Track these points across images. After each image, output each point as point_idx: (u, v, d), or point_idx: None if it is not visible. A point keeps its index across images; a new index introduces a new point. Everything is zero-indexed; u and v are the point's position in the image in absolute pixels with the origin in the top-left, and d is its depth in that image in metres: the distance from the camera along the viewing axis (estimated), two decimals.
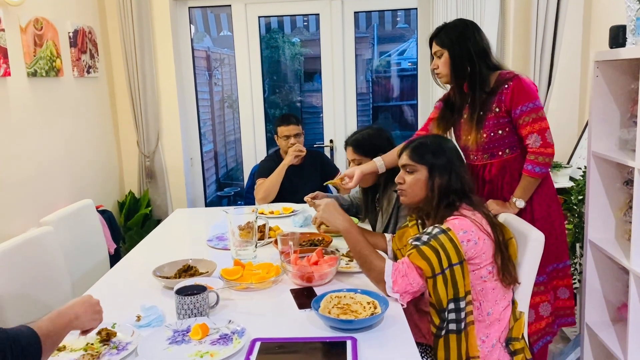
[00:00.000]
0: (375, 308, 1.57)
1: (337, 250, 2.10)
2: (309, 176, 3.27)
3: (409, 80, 5.05)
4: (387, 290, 1.65)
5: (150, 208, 3.68)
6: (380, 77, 4.99)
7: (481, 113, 2.08)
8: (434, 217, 1.74)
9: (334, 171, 3.38)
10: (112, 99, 3.76)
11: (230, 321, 1.53)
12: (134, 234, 3.55)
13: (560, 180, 3.06)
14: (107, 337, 1.47)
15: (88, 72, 3.39)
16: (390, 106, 5.23)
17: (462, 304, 1.63)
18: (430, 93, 3.62)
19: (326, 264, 1.81)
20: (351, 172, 2.27)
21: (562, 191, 2.81)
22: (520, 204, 2.08)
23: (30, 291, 2.00)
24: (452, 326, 1.64)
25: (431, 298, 1.64)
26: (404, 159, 1.81)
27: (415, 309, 1.93)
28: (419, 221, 1.91)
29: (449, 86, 2.24)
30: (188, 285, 1.66)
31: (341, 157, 3.89)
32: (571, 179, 3.12)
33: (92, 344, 1.46)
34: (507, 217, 1.99)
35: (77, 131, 3.28)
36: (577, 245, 2.66)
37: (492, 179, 2.14)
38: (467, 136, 2.14)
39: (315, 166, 3.31)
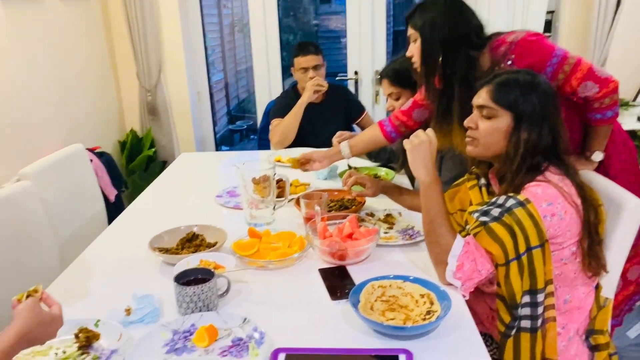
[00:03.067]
0: (431, 304, 1.21)
1: (372, 214, 1.73)
2: (331, 115, 2.85)
3: None
4: (447, 274, 1.29)
5: (154, 149, 3.31)
6: None
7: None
8: (510, 181, 1.33)
9: (360, 109, 2.96)
10: (107, 24, 3.29)
11: (245, 319, 1.19)
12: (137, 178, 3.20)
13: (627, 121, 2.61)
14: (86, 341, 1.14)
15: None
16: None
17: (540, 297, 1.27)
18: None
19: (363, 239, 1.44)
20: (316, 157, 2.01)
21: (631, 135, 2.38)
22: (598, 156, 1.67)
23: (9, 260, 1.67)
24: (526, 323, 1.28)
25: (500, 289, 1.28)
26: (483, 98, 1.36)
27: None
28: (481, 181, 1.51)
29: None
30: (191, 269, 1.31)
31: (367, 92, 3.44)
32: None
33: (65, 352, 1.13)
34: (588, 177, 1.58)
35: (66, 63, 2.85)
36: None
37: None
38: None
39: (338, 103, 2.88)
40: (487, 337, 1.50)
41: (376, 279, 1.28)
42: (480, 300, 1.52)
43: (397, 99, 1.98)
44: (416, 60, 1.67)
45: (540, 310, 1.28)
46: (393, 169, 2.18)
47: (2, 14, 2.32)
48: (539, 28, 2.92)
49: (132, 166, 3.22)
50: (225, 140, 6.17)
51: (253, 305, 1.29)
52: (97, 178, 2.76)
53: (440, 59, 1.61)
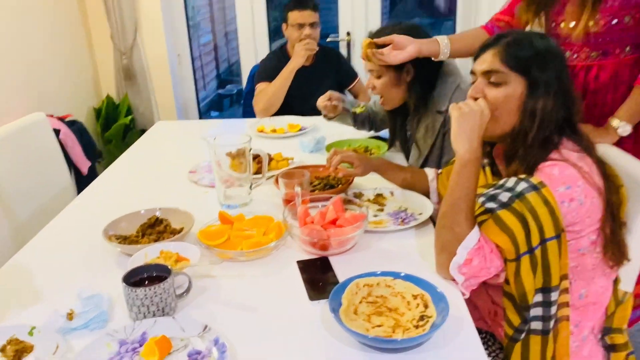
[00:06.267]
0: (426, 307, 1.03)
1: (360, 194, 1.54)
2: (321, 80, 2.62)
3: None
4: (452, 265, 1.10)
5: (131, 116, 3.08)
6: None
7: None
8: (521, 159, 1.14)
9: (352, 75, 2.74)
10: None
11: (206, 327, 1.00)
12: (113, 147, 2.99)
13: None
14: (15, 356, 0.96)
15: None
16: None
17: (554, 296, 1.09)
18: None
19: (349, 226, 1.25)
20: (402, 42, 1.54)
21: None
22: (625, 130, 1.47)
23: None
24: (537, 325, 1.11)
25: (509, 287, 1.09)
26: (489, 62, 1.16)
27: None
28: (487, 160, 1.31)
29: None
30: (143, 266, 1.12)
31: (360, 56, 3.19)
32: None
33: None
34: (608, 152, 1.37)
35: (33, 24, 2.60)
36: None
37: (598, 89, 1.51)
38: (571, 21, 1.48)
39: (329, 68, 2.64)
40: (488, 336, 1.33)
41: (361, 276, 1.09)
42: (482, 293, 1.33)
43: (379, 77, 1.73)
44: None
45: (553, 310, 1.10)
46: (384, 141, 1.97)
47: None
48: None
49: (108, 135, 3.01)
50: (215, 106, 5.93)
51: (218, 306, 1.11)
52: (67, 149, 2.55)
53: None
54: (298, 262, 1.24)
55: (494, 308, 1.32)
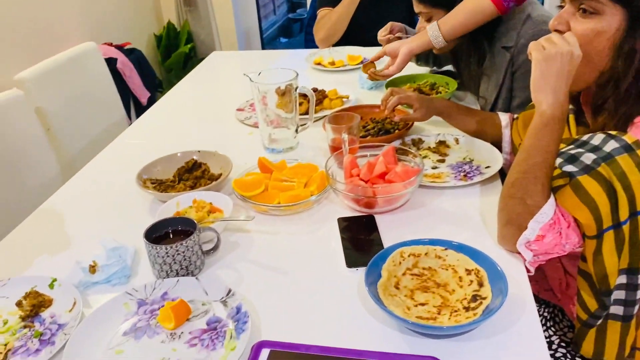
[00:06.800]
0: (480, 285, 0.88)
1: (420, 141, 1.36)
2: (390, 3, 2.36)
3: None
4: (521, 240, 0.93)
5: (191, 44, 2.98)
6: None
7: None
8: (612, 111, 0.92)
9: None
10: None
11: (230, 292, 0.91)
12: (173, 77, 2.92)
13: None
14: (32, 310, 0.92)
15: None
16: None
17: None
18: None
19: (399, 181, 1.09)
20: (394, 49, 1.46)
21: None
22: None
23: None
24: (617, 309, 0.93)
25: (586, 265, 0.91)
26: None
27: None
28: (572, 107, 1.08)
29: None
30: (169, 219, 1.03)
31: None
32: None
33: (7, 321, 0.91)
34: None
35: None
36: None
37: None
38: None
39: None
40: (556, 311, 1.16)
41: (406, 244, 0.95)
42: (554, 260, 1.14)
43: (429, 20, 1.48)
44: None
45: (639, 294, 0.92)
46: (454, 78, 1.73)
47: None
48: None
49: (168, 64, 2.93)
50: (284, 31, 5.71)
51: (247, 266, 1.01)
52: (125, 79, 2.51)
53: None
54: (339, 219, 1.11)
55: (566, 279, 1.14)
